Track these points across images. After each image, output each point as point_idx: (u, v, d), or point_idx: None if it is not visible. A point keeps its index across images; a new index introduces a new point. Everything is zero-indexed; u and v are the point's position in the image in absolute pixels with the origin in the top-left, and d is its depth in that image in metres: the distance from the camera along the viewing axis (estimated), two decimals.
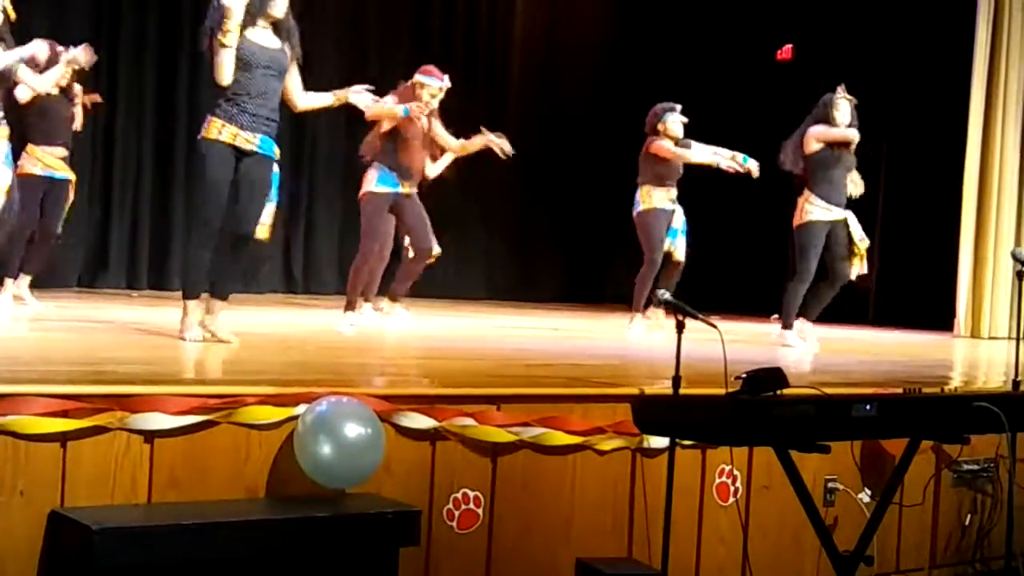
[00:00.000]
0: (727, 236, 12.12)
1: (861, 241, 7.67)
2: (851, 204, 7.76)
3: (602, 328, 8.91)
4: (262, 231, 6.00)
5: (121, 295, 8.82)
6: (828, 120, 7.67)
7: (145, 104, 10.42)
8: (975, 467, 5.30)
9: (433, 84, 7.41)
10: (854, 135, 7.64)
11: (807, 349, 7.58)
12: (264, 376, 4.49)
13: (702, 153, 8.27)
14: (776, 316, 11.94)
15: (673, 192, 8.39)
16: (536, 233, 12.41)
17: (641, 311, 8.30)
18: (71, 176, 7.80)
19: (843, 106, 7.73)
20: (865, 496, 4.97)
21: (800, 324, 7.75)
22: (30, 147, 7.48)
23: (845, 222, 7.67)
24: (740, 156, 8.18)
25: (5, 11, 6.44)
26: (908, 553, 5.21)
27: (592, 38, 13.08)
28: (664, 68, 12.45)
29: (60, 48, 7.56)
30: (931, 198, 10.64)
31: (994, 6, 10.22)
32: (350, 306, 7.29)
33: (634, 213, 8.39)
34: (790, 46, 12.43)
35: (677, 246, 8.41)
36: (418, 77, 7.45)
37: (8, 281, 7.64)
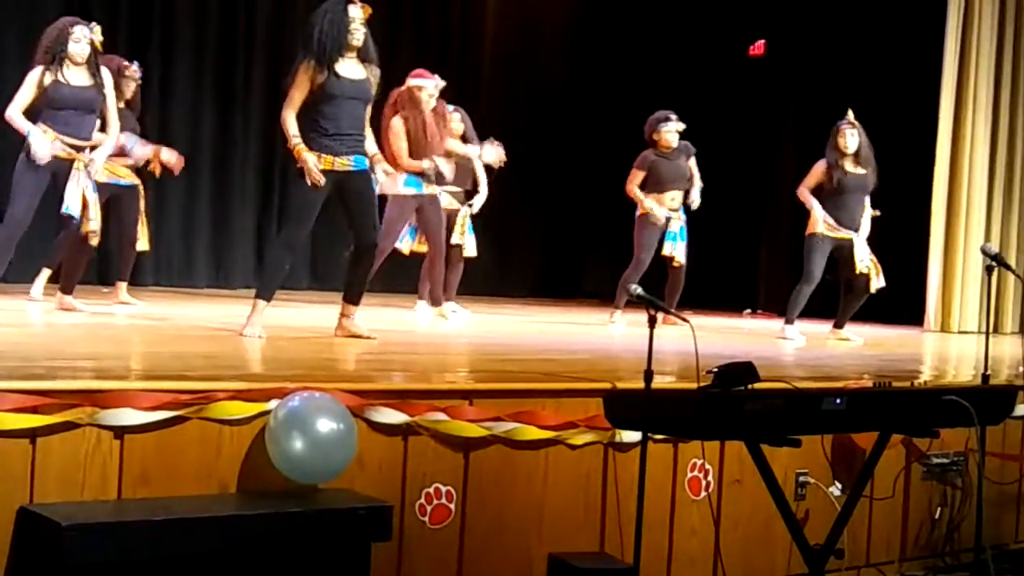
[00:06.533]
0: (700, 232, 12.15)
1: (860, 262, 7.85)
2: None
3: (576, 323, 8.91)
4: None
5: (92, 291, 8.76)
6: (835, 150, 7.87)
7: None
8: (945, 460, 5.34)
9: (429, 84, 7.81)
10: (819, 214, 7.85)
11: (854, 344, 7.90)
12: (235, 371, 4.48)
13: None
14: (748, 311, 12.01)
15: (671, 197, 8.46)
16: (512, 227, 12.38)
17: (622, 308, 8.42)
18: (137, 182, 7.77)
19: (849, 134, 7.88)
20: (835, 490, 5.00)
21: (834, 332, 8.14)
22: None
23: (851, 243, 7.85)
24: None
25: (93, 43, 6.50)
26: (878, 546, 5.24)
27: (564, 34, 13.04)
28: (637, 64, 12.46)
29: (126, 63, 7.53)
30: (901, 193, 10.69)
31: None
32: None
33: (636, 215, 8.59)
34: (762, 42, 12.46)
35: (677, 250, 8.43)
36: (413, 82, 7.80)
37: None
